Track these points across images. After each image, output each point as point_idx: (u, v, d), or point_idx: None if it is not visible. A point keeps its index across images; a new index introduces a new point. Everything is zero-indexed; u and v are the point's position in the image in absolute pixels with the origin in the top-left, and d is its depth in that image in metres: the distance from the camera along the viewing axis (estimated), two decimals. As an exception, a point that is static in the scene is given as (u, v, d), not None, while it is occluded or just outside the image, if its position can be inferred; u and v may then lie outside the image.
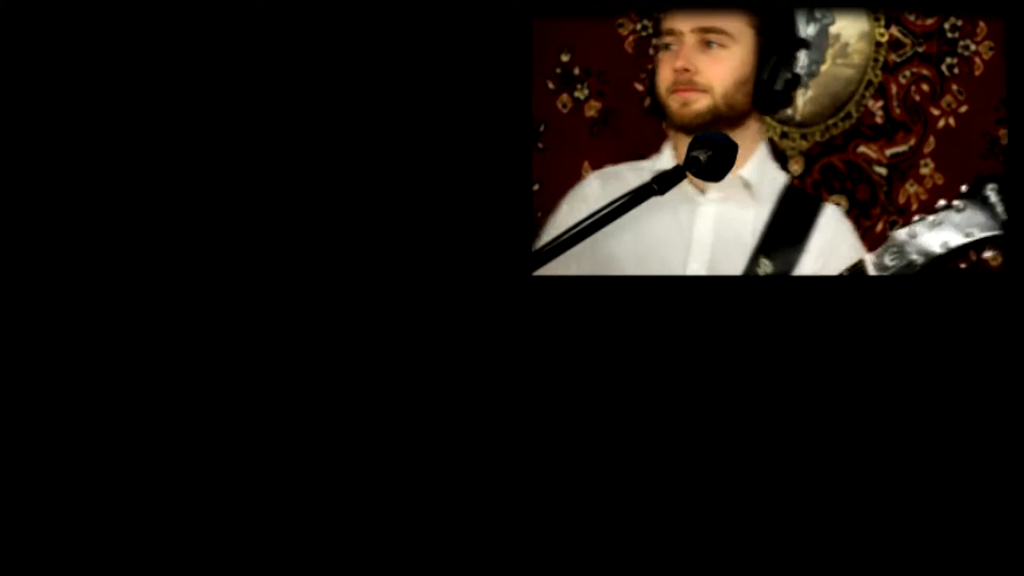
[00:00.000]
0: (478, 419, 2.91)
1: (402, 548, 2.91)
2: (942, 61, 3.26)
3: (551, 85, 3.36)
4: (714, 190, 2.89)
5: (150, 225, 2.94)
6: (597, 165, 3.34)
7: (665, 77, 2.91)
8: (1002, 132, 3.17)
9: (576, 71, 3.36)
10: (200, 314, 2.93)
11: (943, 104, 3.26)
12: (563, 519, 2.89)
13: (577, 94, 3.36)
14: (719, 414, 2.88)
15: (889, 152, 3.30)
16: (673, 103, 2.90)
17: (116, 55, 2.93)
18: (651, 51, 3.04)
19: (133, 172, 2.95)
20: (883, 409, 2.86)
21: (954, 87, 3.25)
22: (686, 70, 2.86)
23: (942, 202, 2.61)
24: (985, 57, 3.22)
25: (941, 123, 3.25)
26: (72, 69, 2.93)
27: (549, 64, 3.35)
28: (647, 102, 3.17)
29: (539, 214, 3.26)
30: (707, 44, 2.86)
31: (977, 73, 3.22)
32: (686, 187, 2.91)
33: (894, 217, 3.31)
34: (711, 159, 2.66)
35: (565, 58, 3.36)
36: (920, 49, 3.30)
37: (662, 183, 2.68)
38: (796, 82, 2.93)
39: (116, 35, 2.93)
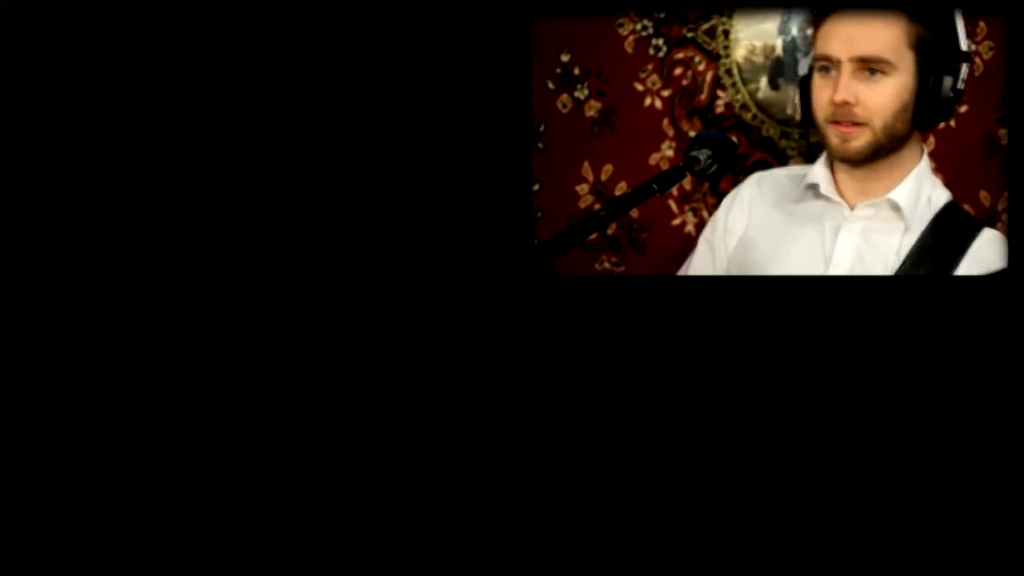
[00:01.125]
0: (476, 418, 2.90)
1: (397, 547, 2.90)
2: (942, 61, 3.25)
3: (551, 85, 3.36)
4: (863, 208, 2.80)
5: (150, 225, 2.94)
6: (597, 165, 3.34)
7: (823, 106, 2.76)
8: (1002, 132, 3.17)
9: (576, 71, 3.36)
10: (202, 318, 2.93)
11: (943, 104, 3.25)
12: (571, 515, 2.89)
13: (577, 94, 3.36)
14: (722, 413, 2.88)
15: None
16: (832, 137, 2.74)
17: (116, 55, 2.93)
18: (801, 65, 2.97)
19: (133, 172, 2.95)
20: (891, 410, 2.86)
21: (954, 87, 3.25)
22: (847, 103, 2.71)
23: None
24: (985, 57, 3.22)
25: (941, 123, 3.25)
26: (72, 69, 2.93)
27: (549, 64, 3.34)
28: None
29: (539, 214, 3.26)
30: (868, 72, 2.71)
31: (977, 73, 3.22)
32: (835, 204, 2.83)
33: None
34: (710, 159, 2.66)
35: (565, 58, 3.35)
36: (920, 49, 3.30)
37: (662, 183, 2.68)
38: (960, 96, 2.79)
39: (116, 35, 2.93)
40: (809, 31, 3.41)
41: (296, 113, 2.93)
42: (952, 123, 3.23)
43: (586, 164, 3.34)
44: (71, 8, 2.92)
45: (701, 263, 2.98)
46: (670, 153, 3.33)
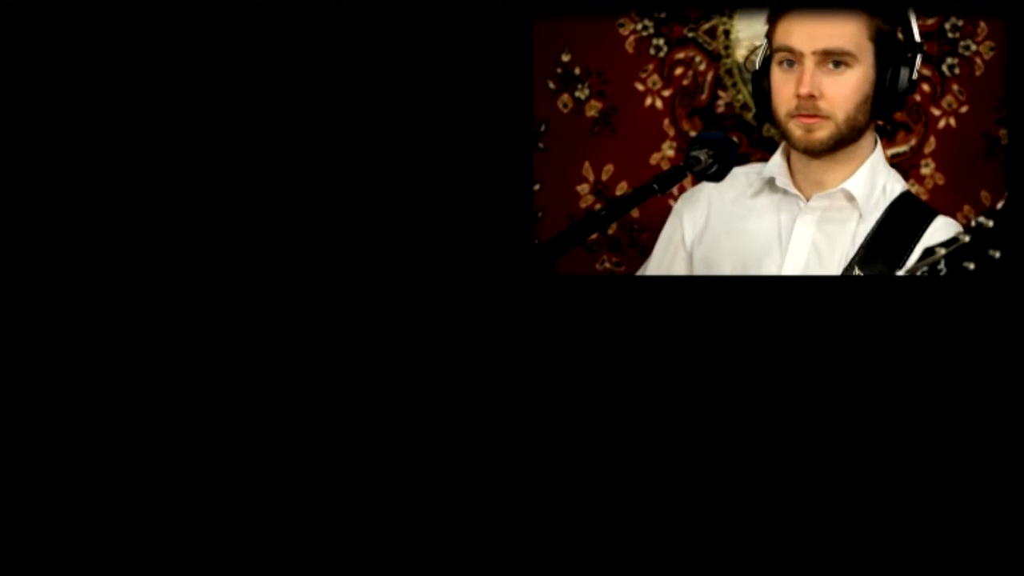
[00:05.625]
0: (475, 419, 2.91)
1: (399, 548, 2.91)
2: (942, 61, 3.26)
3: (551, 85, 3.36)
4: (817, 199, 2.82)
5: (150, 225, 2.94)
6: (598, 165, 3.34)
7: (786, 100, 2.79)
8: (1002, 132, 3.17)
9: (576, 71, 3.36)
10: (201, 318, 2.93)
11: (943, 104, 3.26)
12: (572, 516, 2.90)
13: (577, 94, 3.36)
14: (722, 413, 2.89)
15: (889, 152, 3.30)
16: (795, 129, 2.77)
17: (116, 55, 2.93)
18: (750, 58, 2.94)
19: (133, 172, 2.95)
20: (882, 408, 2.86)
21: (954, 87, 3.25)
22: (811, 96, 2.74)
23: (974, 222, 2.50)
24: (985, 57, 3.22)
25: (941, 123, 3.25)
26: (72, 69, 2.93)
27: (549, 64, 3.34)
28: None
29: (539, 214, 3.26)
30: (832, 64, 2.74)
31: (977, 73, 3.22)
32: (791, 196, 2.84)
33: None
34: (711, 159, 2.67)
35: (565, 58, 3.35)
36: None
37: (662, 183, 2.69)
38: (915, 87, 2.83)
39: (116, 35, 2.93)
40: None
41: (297, 113, 2.93)
42: (952, 123, 3.23)
43: (587, 164, 3.35)
44: (71, 8, 2.93)
45: (657, 264, 2.99)
46: (671, 153, 3.34)
